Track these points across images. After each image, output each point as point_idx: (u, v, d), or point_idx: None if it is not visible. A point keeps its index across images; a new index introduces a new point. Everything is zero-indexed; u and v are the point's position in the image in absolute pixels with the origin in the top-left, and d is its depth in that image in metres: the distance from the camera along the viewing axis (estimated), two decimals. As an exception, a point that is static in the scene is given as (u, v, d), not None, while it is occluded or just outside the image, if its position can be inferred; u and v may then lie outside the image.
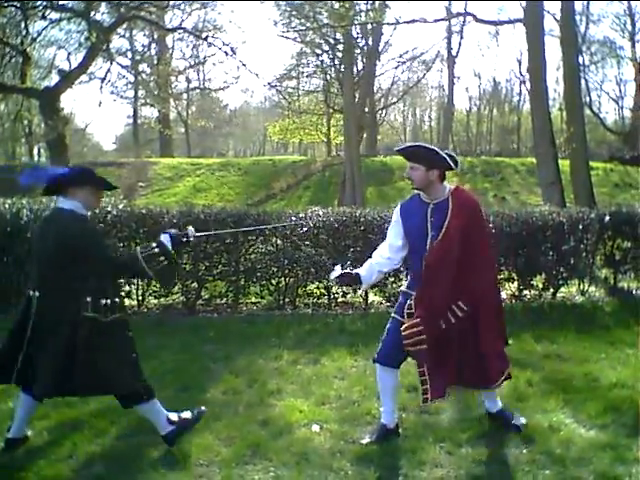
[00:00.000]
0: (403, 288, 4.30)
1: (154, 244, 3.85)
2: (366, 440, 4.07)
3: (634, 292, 8.52)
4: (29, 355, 3.70)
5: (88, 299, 3.63)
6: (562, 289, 8.53)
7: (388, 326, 4.23)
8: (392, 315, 4.23)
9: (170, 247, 3.85)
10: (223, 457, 3.84)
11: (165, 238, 3.87)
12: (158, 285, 7.83)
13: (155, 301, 7.98)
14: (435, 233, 3.91)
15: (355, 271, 4.25)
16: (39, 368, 3.65)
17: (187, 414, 4.08)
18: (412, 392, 4.95)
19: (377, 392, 4.89)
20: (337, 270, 4.27)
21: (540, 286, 8.31)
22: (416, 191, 4.10)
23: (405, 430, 4.23)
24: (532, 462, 3.74)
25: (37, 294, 3.71)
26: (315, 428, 4.26)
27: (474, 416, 4.45)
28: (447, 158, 3.93)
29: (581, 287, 8.58)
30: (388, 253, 4.18)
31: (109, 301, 3.71)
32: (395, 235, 4.16)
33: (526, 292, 8.34)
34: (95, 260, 3.66)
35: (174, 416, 3.99)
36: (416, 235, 4.02)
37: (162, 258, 3.82)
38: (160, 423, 3.93)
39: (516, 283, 8.33)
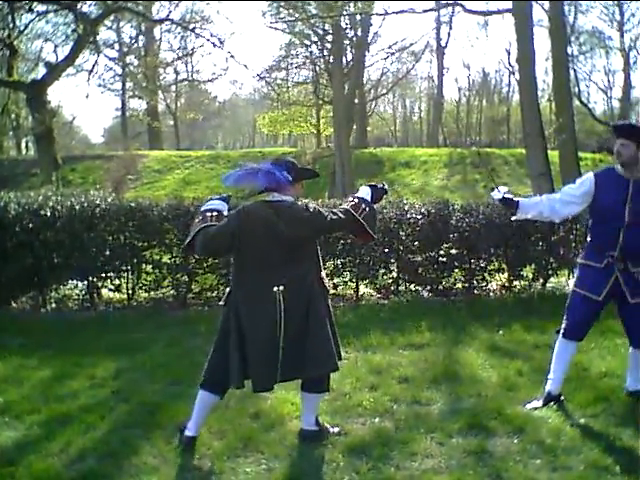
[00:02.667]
0: (582, 260, 4.47)
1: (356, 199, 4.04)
2: (532, 405, 4.35)
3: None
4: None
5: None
6: (552, 279, 8.56)
7: (572, 303, 4.43)
8: (575, 289, 4.42)
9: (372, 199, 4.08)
10: (215, 450, 3.83)
11: (365, 191, 4.11)
12: (148, 278, 7.80)
13: (145, 294, 7.95)
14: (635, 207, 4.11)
15: (517, 199, 4.50)
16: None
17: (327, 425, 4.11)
18: (403, 383, 4.97)
19: (370, 383, 4.93)
20: (500, 192, 4.50)
21: (530, 276, 8.34)
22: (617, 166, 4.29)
23: (396, 421, 4.24)
24: (523, 452, 3.76)
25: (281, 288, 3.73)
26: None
27: (465, 407, 4.47)
28: None
29: (571, 277, 8.61)
30: (559, 204, 4.42)
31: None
32: (576, 195, 4.39)
33: (516, 283, 8.38)
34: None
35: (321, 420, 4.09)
36: (612, 207, 4.20)
37: (367, 209, 3.99)
38: (312, 418, 3.99)
39: (506, 274, 8.37)
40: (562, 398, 4.46)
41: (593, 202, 4.34)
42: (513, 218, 4.62)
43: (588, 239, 4.51)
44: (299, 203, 4.02)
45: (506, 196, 4.50)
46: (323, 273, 4.09)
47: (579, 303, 4.38)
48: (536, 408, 4.37)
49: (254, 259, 3.80)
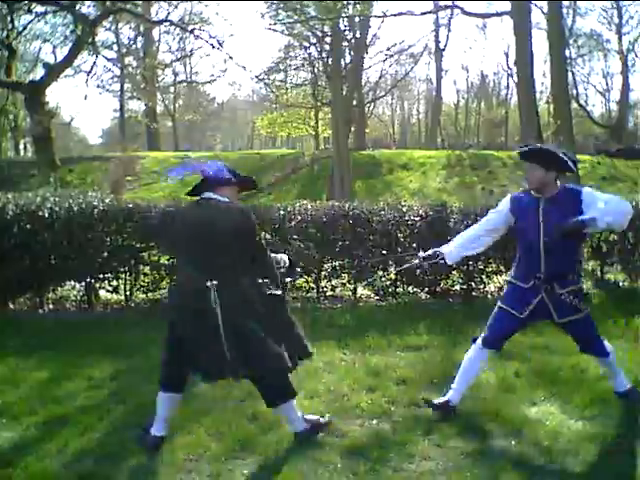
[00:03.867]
0: (510, 278, 4.47)
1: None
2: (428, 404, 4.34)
3: (621, 284, 8.57)
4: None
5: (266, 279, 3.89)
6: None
7: (495, 315, 4.40)
8: (500, 305, 4.39)
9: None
10: (212, 452, 3.83)
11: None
12: (146, 280, 7.80)
13: (143, 296, 7.93)
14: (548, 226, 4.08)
15: (438, 250, 4.48)
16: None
17: (313, 417, 4.12)
18: (401, 385, 4.97)
19: (367, 385, 4.92)
20: (419, 256, 4.54)
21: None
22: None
23: (394, 423, 4.24)
24: (520, 453, 3.77)
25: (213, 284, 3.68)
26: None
27: (462, 408, 4.46)
28: (567, 160, 4.09)
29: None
30: (484, 235, 4.48)
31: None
32: (497, 220, 4.43)
33: (514, 285, 8.36)
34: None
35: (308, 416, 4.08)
36: (528, 229, 4.21)
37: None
38: (295, 421, 3.96)
39: (504, 276, 8.36)
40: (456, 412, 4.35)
41: (514, 224, 4.34)
42: (450, 262, 4.58)
43: (517, 257, 4.45)
44: (237, 205, 3.93)
45: (425, 255, 4.49)
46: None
47: (501, 317, 4.32)
48: (430, 405, 4.32)
49: (188, 259, 3.84)
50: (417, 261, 4.55)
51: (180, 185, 28.73)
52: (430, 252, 4.49)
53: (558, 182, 4.21)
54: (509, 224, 4.41)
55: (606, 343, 4.36)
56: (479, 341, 4.39)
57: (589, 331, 4.31)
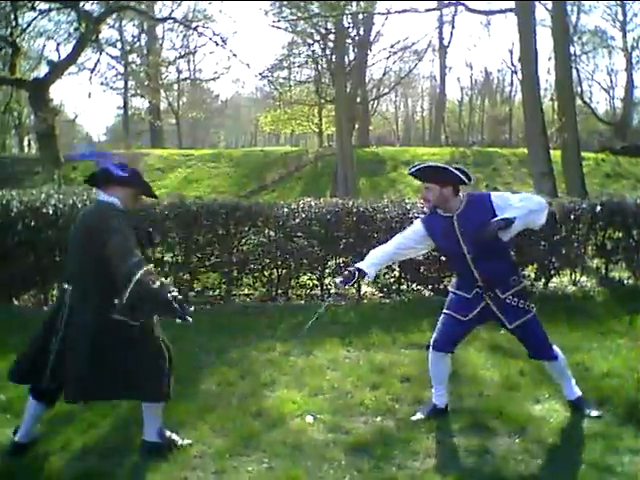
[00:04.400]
0: (452, 289, 4.42)
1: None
2: (417, 417, 4.25)
3: (625, 282, 8.55)
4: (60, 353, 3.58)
5: (116, 300, 3.36)
6: (554, 279, 8.55)
7: (442, 319, 4.36)
8: (444, 311, 4.36)
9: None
10: (217, 449, 3.83)
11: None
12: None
13: (147, 293, 7.93)
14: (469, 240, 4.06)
15: (354, 269, 4.26)
16: (69, 369, 3.54)
17: (175, 437, 3.85)
18: (405, 382, 4.97)
19: (371, 382, 4.92)
20: (337, 282, 4.35)
21: (532, 276, 8.33)
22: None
23: (398, 420, 4.24)
24: (524, 451, 3.76)
25: (70, 287, 3.61)
26: (309, 419, 4.26)
27: (466, 406, 4.46)
28: (458, 174, 4.07)
29: (573, 277, 8.60)
30: (398, 253, 4.44)
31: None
32: (413, 239, 4.36)
33: (518, 282, 8.35)
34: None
35: (168, 432, 3.83)
36: (450, 248, 4.21)
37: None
38: (152, 429, 3.74)
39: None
40: (448, 409, 4.36)
41: (436, 246, 4.33)
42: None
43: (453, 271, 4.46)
44: (115, 214, 3.56)
45: (341, 279, 4.28)
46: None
47: (446, 321, 4.30)
48: (419, 419, 4.23)
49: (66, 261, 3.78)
50: (336, 289, 4.43)
51: (184, 182, 28.85)
52: (347, 273, 4.25)
53: (461, 194, 4.19)
54: (429, 245, 4.42)
55: (555, 347, 4.30)
56: (431, 346, 4.35)
57: (537, 332, 4.26)
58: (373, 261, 4.32)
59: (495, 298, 4.15)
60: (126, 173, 3.66)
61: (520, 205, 4.02)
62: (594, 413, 4.21)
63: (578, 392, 4.38)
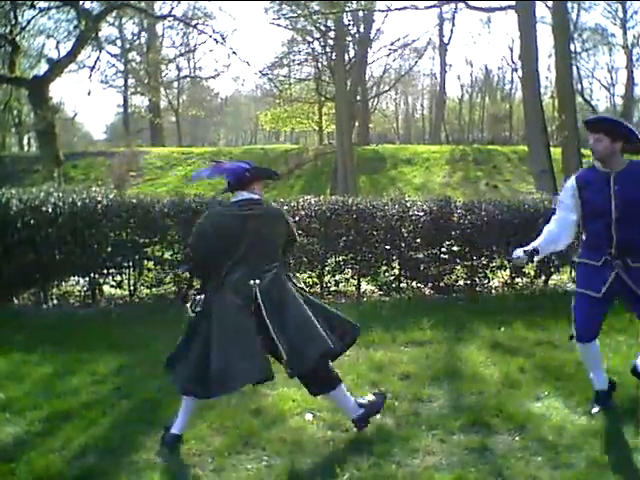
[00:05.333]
0: (579, 259, 4.38)
1: None
2: (595, 410, 4.24)
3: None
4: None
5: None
6: (554, 276, 8.55)
7: (576, 304, 4.33)
8: (577, 289, 4.34)
9: None
10: (216, 447, 3.83)
11: None
12: (150, 275, 7.80)
13: (147, 291, 7.94)
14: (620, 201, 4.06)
15: (535, 247, 4.25)
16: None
17: (371, 397, 4.13)
18: (404, 380, 4.96)
19: (371, 380, 4.92)
20: (519, 255, 4.25)
21: (532, 274, 8.33)
22: (597, 163, 4.26)
23: (398, 418, 4.23)
24: (524, 449, 3.75)
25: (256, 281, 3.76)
26: (308, 417, 4.26)
27: (466, 404, 4.46)
28: (634, 130, 4.13)
29: (572, 274, 8.59)
30: (564, 228, 4.33)
31: None
32: (569, 205, 4.32)
33: (518, 280, 8.37)
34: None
35: (361, 400, 4.06)
36: (598, 205, 4.16)
37: None
38: (348, 406, 3.96)
39: (508, 271, 8.35)
40: (614, 384, 4.42)
41: (581, 203, 4.27)
42: (536, 259, 4.46)
43: (583, 237, 4.44)
44: (270, 203, 4.11)
45: (528, 253, 4.24)
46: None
47: (581, 303, 4.28)
48: (597, 412, 4.25)
49: (233, 259, 3.81)
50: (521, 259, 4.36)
51: (183, 180, 28.83)
52: (525, 250, 4.22)
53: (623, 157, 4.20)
54: (578, 213, 4.32)
55: None
56: (575, 339, 4.33)
57: None
58: (544, 238, 4.33)
59: (626, 267, 4.12)
60: (250, 172, 3.96)
61: None
62: None
63: None
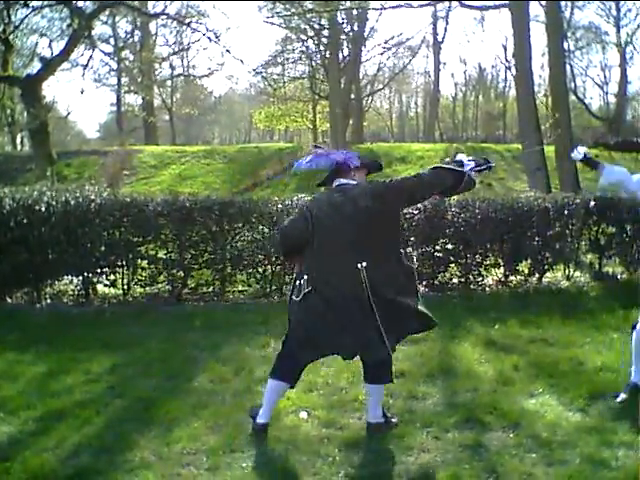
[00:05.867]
0: None
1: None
2: (620, 398, 4.33)
3: (619, 277, 8.58)
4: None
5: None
6: (547, 274, 8.57)
7: None
8: None
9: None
10: (211, 445, 3.82)
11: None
12: (144, 274, 7.78)
13: (141, 290, 7.92)
14: None
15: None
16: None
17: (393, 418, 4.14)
18: (399, 378, 4.96)
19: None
20: (579, 152, 4.37)
21: (526, 271, 8.35)
22: None
23: (393, 416, 4.23)
24: (518, 446, 3.76)
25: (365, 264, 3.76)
26: (303, 415, 4.26)
27: (461, 401, 4.47)
28: None
29: (566, 272, 8.62)
30: None
31: None
32: None
33: (512, 277, 8.39)
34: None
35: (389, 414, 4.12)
36: None
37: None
38: (378, 410, 4.00)
39: (502, 269, 8.37)
40: None
41: None
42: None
43: None
44: (369, 185, 4.02)
45: (588, 156, 4.38)
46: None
47: None
48: (624, 400, 4.34)
49: (331, 243, 3.86)
50: (575, 157, 4.35)
51: (178, 179, 28.79)
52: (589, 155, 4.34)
53: None
54: None
55: None
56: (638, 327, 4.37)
57: None
58: (613, 168, 4.38)
59: None
60: (360, 161, 4.04)
61: None
62: None
63: None
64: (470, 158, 4.10)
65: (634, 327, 4.45)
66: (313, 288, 3.81)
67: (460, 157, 4.11)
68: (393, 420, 4.10)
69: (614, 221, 8.45)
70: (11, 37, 25.97)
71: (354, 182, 3.98)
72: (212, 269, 7.85)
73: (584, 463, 3.53)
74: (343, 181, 3.98)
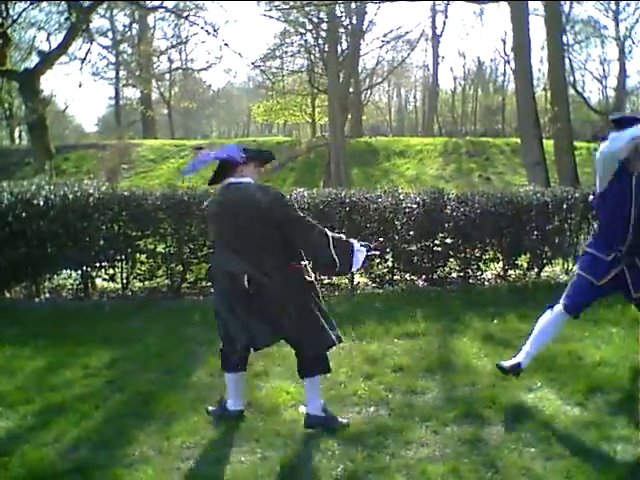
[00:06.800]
0: (589, 249, 4.43)
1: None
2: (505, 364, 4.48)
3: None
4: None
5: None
6: (546, 268, 8.58)
7: (576, 282, 4.44)
8: (578, 272, 4.44)
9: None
10: (209, 439, 3.83)
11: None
12: (143, 268, 7.78)
13: (140, 284, 7.93)
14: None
15: None
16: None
17: (343, 419, 4.08)
18: (398, 372, 4.97)
19: (365, 372, 4.92)
20: None
21: (525, 266, 8.36)
22: None
23: (391, 410, 4.24)
24: (517, 440, 3.76)
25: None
26: (302, 409, 4.25)
27: (459, 396, 4.47)
28: None
29: (565, 266, 8.63)
30: None
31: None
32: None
33: (511, 272, 8.39)
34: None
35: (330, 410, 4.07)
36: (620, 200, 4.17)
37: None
38: (315, 402, 3.98)
39: (501, 263, 8.38)
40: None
41: (608, 189, 4.20)
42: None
43: (596, 229, 4.47)
44: (261, 186, 3.93)
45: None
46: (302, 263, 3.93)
47: (579, 283, 4.38)
48: (500, 367, 4.50)
49: (218, 242, 3.98)
50: None
51: (176, 173, 28.74)
52: None
53: None
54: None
55: None
56: (560, 307, 4.41)
57: None
58: None
59: (632, 267, 4.19)
60: (244, 155, 3.92)
61: None
62: None
63: None
64: (362, 243, 3.98)
65: (550, 307, 4.52)
66: (212, 280, 3.95)
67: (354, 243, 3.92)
68: (341, 421, 4.01)
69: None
70: (9, 31, 25.83)
71: (244, 180, 3.89)
72: (211, 263, 7.83)
73: (583, 457, 3.53)
74: (232, 180, 3.91)
